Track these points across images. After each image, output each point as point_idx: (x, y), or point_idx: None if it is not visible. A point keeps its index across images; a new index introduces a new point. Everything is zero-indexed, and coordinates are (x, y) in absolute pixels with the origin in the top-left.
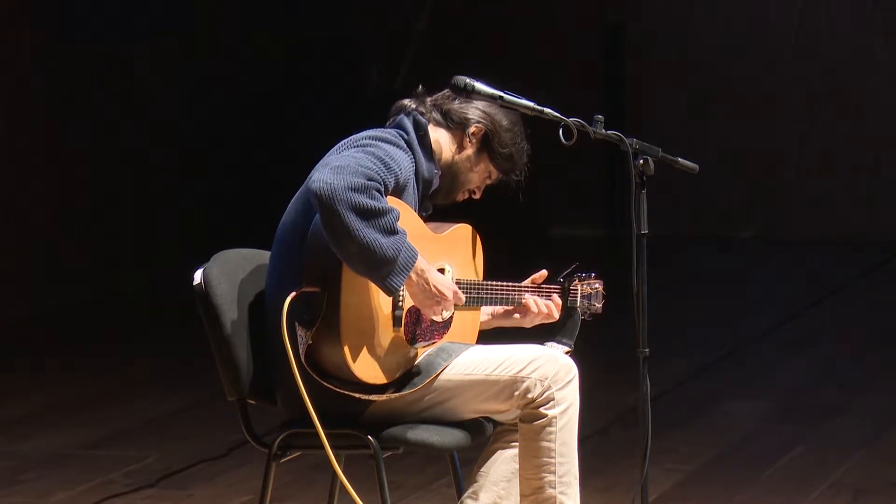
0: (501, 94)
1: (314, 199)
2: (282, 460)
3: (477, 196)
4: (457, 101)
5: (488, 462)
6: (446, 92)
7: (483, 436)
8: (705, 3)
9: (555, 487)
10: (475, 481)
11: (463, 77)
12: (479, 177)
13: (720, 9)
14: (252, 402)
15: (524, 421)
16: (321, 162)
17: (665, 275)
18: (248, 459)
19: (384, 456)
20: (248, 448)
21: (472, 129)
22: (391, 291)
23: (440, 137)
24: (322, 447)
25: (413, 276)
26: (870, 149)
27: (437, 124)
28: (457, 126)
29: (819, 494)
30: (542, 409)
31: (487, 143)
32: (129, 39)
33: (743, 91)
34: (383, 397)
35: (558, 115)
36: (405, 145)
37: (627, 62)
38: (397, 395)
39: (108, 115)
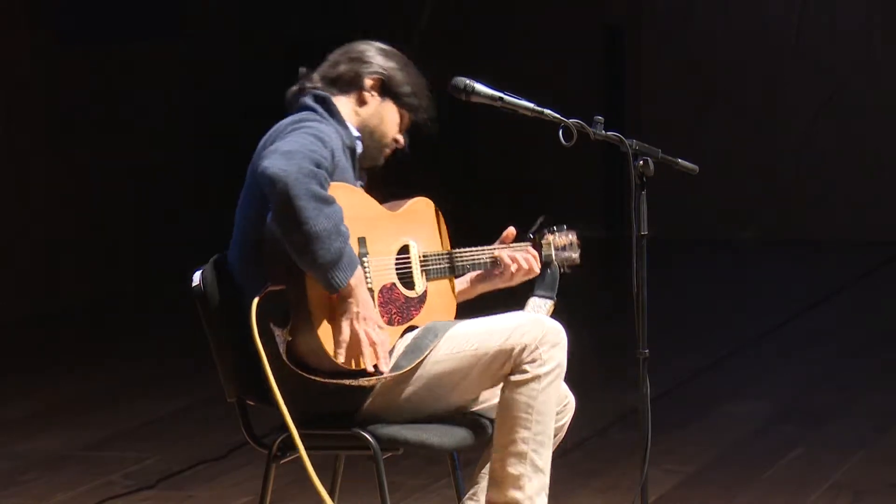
0: (501, 94)
1: (268, 185)
2: (282, 461)
3: (401, 144)
4: (341, 66)
5: (489, 463)
6: (326, 63)
7: (484, 436)
8: (705, 3)
9: (527, 444)
10: (476, 482)
11: (463, 78)
12: (391, 126)
13: (720, 9)
14: (252, 403)
15: (509, 375)
16: (268, 149)
17: (665, 275)
18: (248, 461)
19: (384, 457)
20: (248, 449)
21: (368, 83)
22: (333, 288)
23: (341, 104)
24: (326, 448)
25: (352, 280)
26: (870, 149)
27: (333, 94)
28: (352, 87)
29: (819, 495)
30: (526, 366)
31: (387, 90)
32: (129, 40)
33: (743, 91)
34: (373, 380)
35: (558, 115)
36: (321, 119)
37: (627, 62)
38: (389, 376)
39: (107, 116)
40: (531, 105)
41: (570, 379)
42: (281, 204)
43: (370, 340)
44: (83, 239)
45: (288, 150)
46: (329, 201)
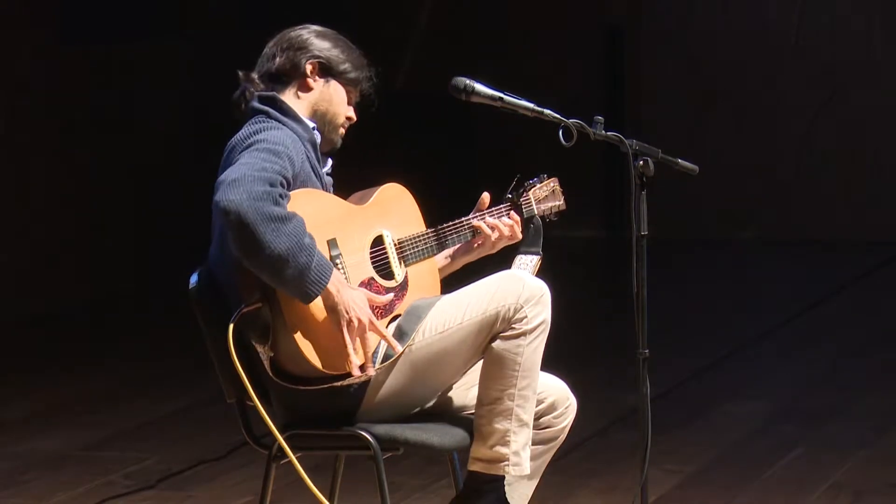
0: (501, 94)
1: (223, 217)
2: (282, 462)
3: (353, 120)
4: (278, 58)
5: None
6: (262, 59)
7: None
8: (705, 3)
9: (513, 399)
10: None
11: (463, 78)
12: (341, 105)
13: (720, 9)
14: (251, 403)
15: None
16: (219, 179)
17: (665, 275)
18: (247, 461)
19: (384, 457)
20: (248, 449)
21: (308, 69)
22: (308, 299)
23: (289, 97)
24: (326, 448)
25: (331, 287)
26: (870, 149)
27: (278, 90)
28: (293, 77)
29: (819, 495)
30: (513, 325)
31: (328, 70)
32: (130, 40)
33: (743, 91)
34: (364, 376)
35: (558, 116)
36: (276, 123)
37: (627, 62)
38: (378, 368)
39: (107, 116)
40: (531, 105)
41: (570, 379)
42: (237, 233)
43: (378, 334)
44: (83, 239)
45: (235, 179)
46: (286, 219)
